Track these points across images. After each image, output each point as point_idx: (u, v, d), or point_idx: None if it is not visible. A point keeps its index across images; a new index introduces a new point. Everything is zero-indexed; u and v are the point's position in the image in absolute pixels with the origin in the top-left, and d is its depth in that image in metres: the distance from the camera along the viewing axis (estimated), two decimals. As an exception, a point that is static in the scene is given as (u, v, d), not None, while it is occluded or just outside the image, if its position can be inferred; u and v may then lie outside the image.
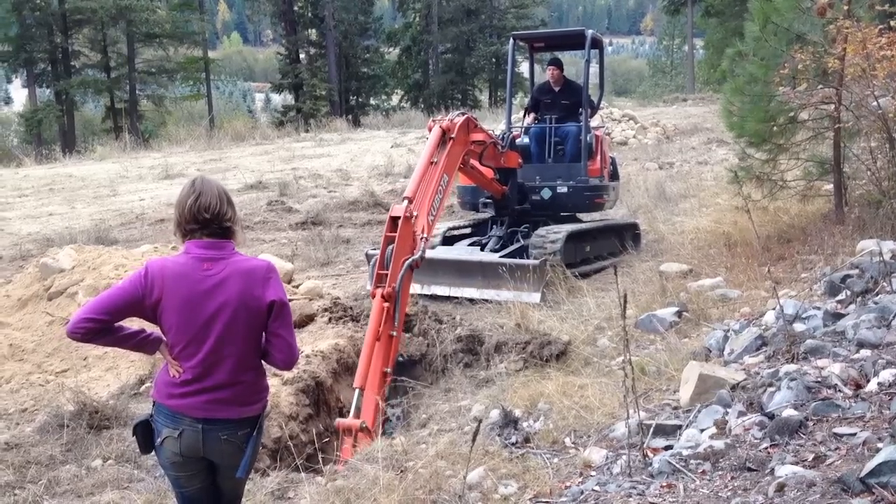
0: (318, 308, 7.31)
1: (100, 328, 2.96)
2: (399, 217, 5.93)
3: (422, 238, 6.15)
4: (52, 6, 35.56)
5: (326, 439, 5.56)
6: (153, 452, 3.17)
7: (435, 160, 6.86)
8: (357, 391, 5.27)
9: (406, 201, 6.19)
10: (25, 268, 8.76)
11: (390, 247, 5.86)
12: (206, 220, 3.04)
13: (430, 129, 7.19)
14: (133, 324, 3.12)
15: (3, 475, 4.62)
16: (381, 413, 5.42)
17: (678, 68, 62.09)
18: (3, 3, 36.15)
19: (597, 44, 9.95)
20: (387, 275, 5.75)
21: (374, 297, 5.74)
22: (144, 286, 3.00)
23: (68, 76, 36.08)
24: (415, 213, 6.16)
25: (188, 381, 3.03)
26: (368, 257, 8.61)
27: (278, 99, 53.92)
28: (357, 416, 5.14)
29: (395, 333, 5.71)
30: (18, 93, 67.29)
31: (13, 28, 35.86)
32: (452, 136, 7.11)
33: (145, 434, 3.12)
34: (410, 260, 5.90)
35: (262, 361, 3.18)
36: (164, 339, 3.10)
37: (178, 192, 3.14)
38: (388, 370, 5.62)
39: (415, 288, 7.29)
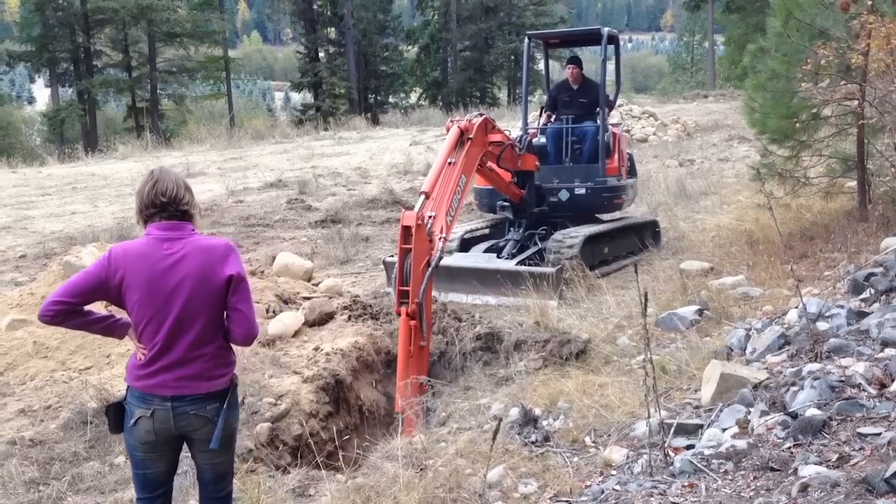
0: (338, 306, 7.32)
1: (69, 310, 3.12)
2: (411, 226, 5.89)
3: (440, 238, 6.15)
4: (74, 6, 35.90)
5: (347, 437, 5.59)
6: (122, 433, 3.28)
7: (452, 160, 6.85)
8: (399, 415, 5.39)
9: (422, 196, 6.19)
10: (49, 266, 8.84)
11: (408, 259, 5.84)
12: (164, 203, 3.19)
13: (447, 130, 7.18)
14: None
15: (27, 471, 4.67)
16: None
17: (698, 65, 61.68)
18: (27, 3, 36.59)
19: (613, 40, 9.89)
20: (408, 291, 5.76)
21: (398, 314, 5.79)
22: (108, 267, 3.14)
23: (90, 76, 36.42)
24: (430, 215, 6.14)
25: (152, 358, 3.16)
26: (387, 265, 8.61)
27: (298, 97, 54.07)
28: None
29: (424, 343, 5.79)
30: (41, 92, 68.00)
31: (36, 28, 36.31)
32: (470, 136, 7.11)
33: (117, 415, 3.26)
34: (431, 269, 5.89)
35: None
36: (132, 323, 3.22)
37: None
38: (424, 380, 5.72)
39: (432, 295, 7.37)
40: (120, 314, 3.28)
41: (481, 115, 7.56)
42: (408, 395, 5.54)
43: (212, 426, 3.19)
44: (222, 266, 3.16)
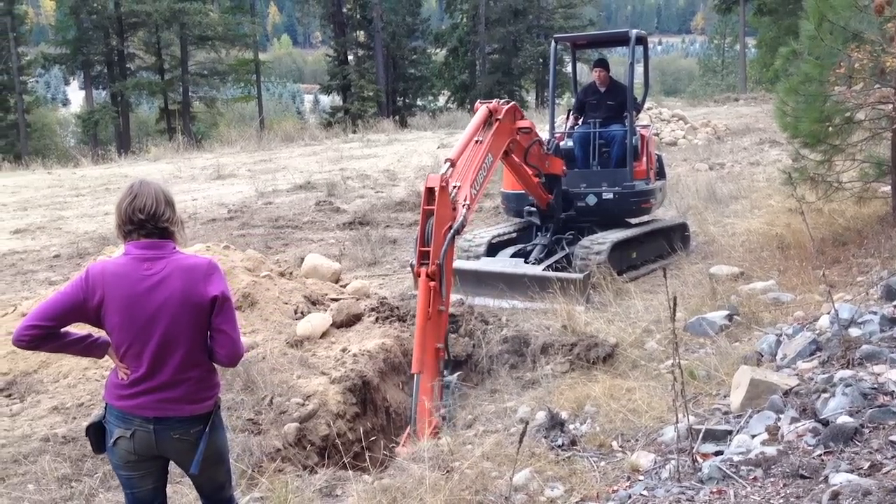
0: (366, 308, 7.36)
1: (45, 334, 2.98)
2: (435, 188, 5.77)
3: (464, 205, 6.07)
4: (108, 10, 36.58)
5: (373, 438, 5.61)
6: (105, 453, 3.20)
7: (479, 139, 6.81)
8: (416, 376, 5.35)
9: (447, 163, 6.10)
10: (83, 265, 8.98)
11: (430, 221, 5.74)
12: (141, 220, 3.05)
13: (475, 110, 7.17)
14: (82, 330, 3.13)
15: (60, 468, 4.75)
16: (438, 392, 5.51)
17: (729, 67, 61.07)
18: (62, 6, 37.27)
19: (641, 42, 9.81)
20: (429, 251, 5.67)
21: (418, 275, 5.69)
22: (86, 289, 3.01)
23: (124, 78, 37.07)
24: (456, 185, 6.07)
25: (136, 380, 3.05)
26: (413, 267, 8.61)
27: (327, 100, 54.54)
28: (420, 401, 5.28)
29: (443, 308, 5.68)
30: (76, 94, 69.15)
31: (71, 31, 37.04)
32: (499, 117, 7.09)
33: (97, 435, 3.16)
34: (452, 231, 5.82)
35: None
36: (111, 343, 3.11)
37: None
38: (441, 346, 5.65)
39: (458, 298, 7.32)
40: (98, 332, 3.17)
41: (509, 102, 7.57)
42: (429, 395, 5.51)
43: (194, 451, 3.11)
44: (205, 286, 3.04)
